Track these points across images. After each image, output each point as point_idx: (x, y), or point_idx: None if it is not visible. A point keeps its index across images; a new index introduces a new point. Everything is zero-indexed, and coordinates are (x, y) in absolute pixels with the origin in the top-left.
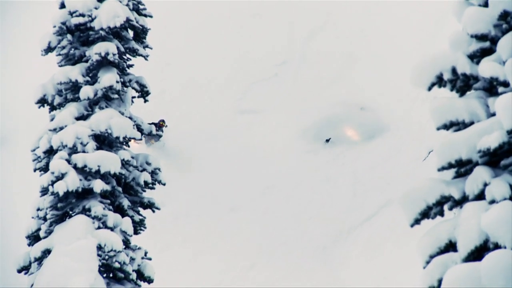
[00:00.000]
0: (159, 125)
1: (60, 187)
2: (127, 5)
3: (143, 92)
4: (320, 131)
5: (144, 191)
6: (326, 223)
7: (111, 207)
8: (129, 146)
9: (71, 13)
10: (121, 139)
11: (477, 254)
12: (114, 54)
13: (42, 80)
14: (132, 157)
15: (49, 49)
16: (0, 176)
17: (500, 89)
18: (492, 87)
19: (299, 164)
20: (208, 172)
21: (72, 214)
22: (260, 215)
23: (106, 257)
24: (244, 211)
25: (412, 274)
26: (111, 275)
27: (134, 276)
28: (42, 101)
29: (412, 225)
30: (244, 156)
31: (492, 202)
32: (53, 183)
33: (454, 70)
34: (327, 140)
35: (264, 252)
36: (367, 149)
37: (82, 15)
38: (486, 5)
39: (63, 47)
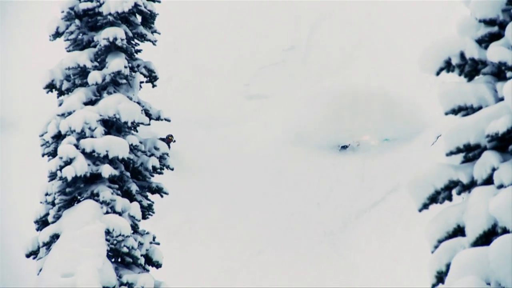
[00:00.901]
0: (168, 140)
1: (69, 172)
2: None
3: (151, 77)
4: (328, 116)
5: (152, 176)
6: (334, 208)
7: (119, 192)
8: (137, 131)
9: None
10: (129, 124)
11: (486, 238)
12: (122, 39)
13: (49, 65)
14: (141, 142)
15: (57, 35)
16: (7, 161)
17: (509, 74)
18: (501, 72)
19: (307, 149)
20: (216, 156)
21: (81, 199)
22: (269, 200)
23: (115, 242)
24: (253, 196)
25: (420, 258)
26: (119, 260)
27: (142, 260)
28: (50, 86)
29: (420, 210)
30: (252, 141)
31: (501, 186)
32: (61, 168)
33: (462, 55)
34: (344, 147)
35: (273, 237)
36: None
37: (90, 0)
38: None
39: (71, 32)
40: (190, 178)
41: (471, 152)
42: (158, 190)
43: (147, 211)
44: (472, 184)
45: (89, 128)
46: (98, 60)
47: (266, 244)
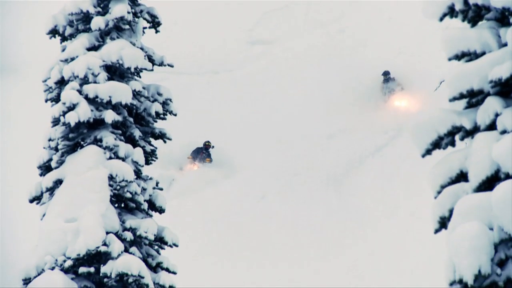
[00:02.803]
0: (206, 147)
1: (72, 118)
2: None
3: (155, 23)
4: (331, 60)
5: (156, 121)
6: (337, 154)
7: (122, 138)
8: (140, 77)
9: None
10: (132, 70)
11: (488, 184)
12: None
13: (52, 11)
14: (144, 88)
15: None
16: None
17: None
18: (504, 18)
19: (311, 95)
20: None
21: (84, 145)
22: (272, 145)
23: (118, 187)
24: (256, 142)
25: (423, 204)
26: (122, 205)
27: (145, 206)
28: (53, 32)
29: (423, 156)
30: (255, 85)
31: (504, 132)
32: (64, 113)
33: (465, 1)
34: None
35: (276, 182)
36: None
37: None
38: None
39: None
40: (194, 122)
41: (474, 98)
42: (161, 136)
43: (150, 156)
44: (475, 129)
45: (92, 74)
46: (101, 5)
47: (270, 188)
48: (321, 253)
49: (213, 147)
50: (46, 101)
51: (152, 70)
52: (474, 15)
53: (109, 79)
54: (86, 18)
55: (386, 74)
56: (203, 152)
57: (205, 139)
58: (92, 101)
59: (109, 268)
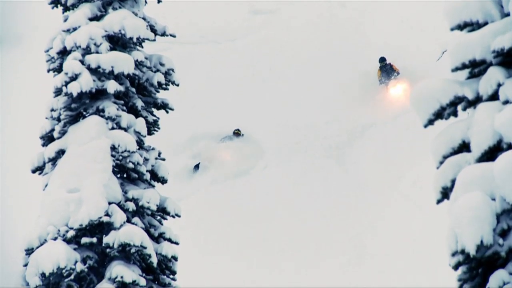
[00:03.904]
0: (236, 135)
1: (74, 88)
2: None
3: None
4: (333, 30)
5: (158, 91)
6: (339, 124)
7: (124, 108)
8: (142, 47)
9: None
10: (134, 40)
11: (491, 154)
12: None
13: None
14: (146, 58)
15: None
16: (12, 76)
17: None
18: None
19: (312, 65)
20: (223, 71)
21: (86, 115)
22: (274, 114)
23: (120, 157)
24: (258, 110)
25: (425, 174)
26: (124, 175)
27: (147, 176)
28: (55, 2)
29: (425, 126)
30: (257, 54)
31: (506, 102)
32: (66, 83)
33: None
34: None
35: (278, 152)
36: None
37: None
38: None
39: None
40: (196, 95)
41: (476, 68)
42: (164, 106)
43: (152, 126)
44: (477, 100)
45: (95, 44)
46: None
47: (272, 157)
48: (322, 225)
49: (243, 135)
50: (48, 71)
51: (154, 40)
52: None
53: (111, 49)
54: None
55: (382, 60)
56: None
57: (235, 127)
58: (94, 71)
59: (112, 239)
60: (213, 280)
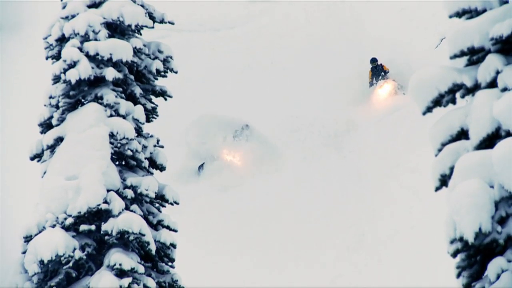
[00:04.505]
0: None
1: (72, 75)
2: None
3: None
4: (332, 18)
5: (156, 79)
6: (338, 113)
7: (123, 95)
8: (141, 35)
9: None
10: (133, 27)
11: (489, 142)
12: None
13: None
14: (144, 45)
15: None
16: (10, 63)
17: None
18: None
19: (311, 54)
20: (223, 58)
21: (84, 102)
22: (273, 102)
23: (118, 144)
24: (256, 97)
25: (424, 161)
26: (123, 162)
27: (146, 163)
28: None
29: (424, 113)
30: (256, 42)
31: (504, 90)
32: (65, 71)
33: None
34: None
35: (279, 139)
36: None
37: None
38: None
39: None
40: (195, 83)
41: (475, 55)
42: (162, 93)
43: (151, 114)
44: (476, 87)
45: (93, 31)
46: None
47: (273, 144)
48: (321, 213)
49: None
50: (46, 58)
51: (152, 27)
52: None
53: (110, 36)
54: None
55: (374, 61)
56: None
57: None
58: (93, 59)
59: (110, 226)
60: (213, 280)
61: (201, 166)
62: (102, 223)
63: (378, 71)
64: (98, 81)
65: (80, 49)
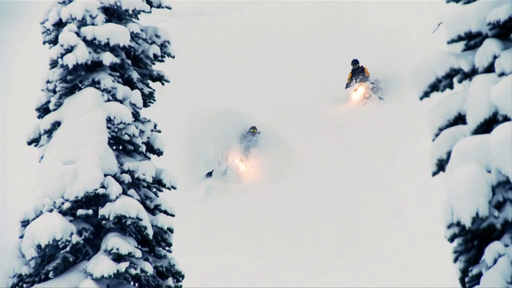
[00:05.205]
0: (252, 133)
1: (70, 60)
2: None
3: None
4: (330, 3)
5: (154, 63)
6: (336, 97)
7: (120, 80)
8: (138, 19)
9: None
10: (130, 12)
11: (486, 126)
12: None
13: None
14: (141, 30)
15: None
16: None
17: None
18: None
19: (309, 38)
20: (221, 42)
21: (82, 87)
22: (270, 85)
23: (116, 129)
24: (253, 82)
25: (421, 146)
26: (120, 147)
27: (143, 148)
28: None
29: (421, 98)
30: (253, 28)
31: (502, 74)
32: (62, 55)
33: None
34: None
35: (274, 125)
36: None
37: None
38: None
39: None
40: (192, 65)
41: (472, 40)
42: (159, 78)
43: (148, 98)
44: (473, 72)
45: (90, 16)
46: None
47: (268, 127)
48: (318, 198)
49: (259, 133)
50: (44, 43)
51: (150, 12)
52: None
53: (107, 21)
54: None
55: (355, 63)
56: (249, 139)
57: (251, 125)
58: (90, 43)
59: (107, 211)
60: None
61: (209, 174)
62: (100, 207)
63: (358, 73)
64: (95, 66)
65: (77, 34)
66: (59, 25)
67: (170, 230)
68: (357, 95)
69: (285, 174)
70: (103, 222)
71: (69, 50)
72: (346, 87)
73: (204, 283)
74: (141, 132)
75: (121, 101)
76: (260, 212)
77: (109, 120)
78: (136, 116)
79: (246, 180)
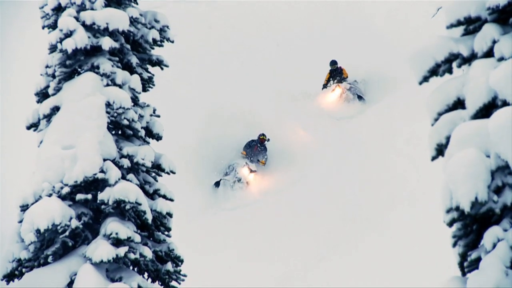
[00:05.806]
0: (261, 140)
1: (69, 45)
2: None
3: None
4: None
5: (153, 48)
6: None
7: (119, 65)
8: (137, 4)
9: None
10: None
11: (486, 111)
12: None
13: None
14: (141, 15)
15: None
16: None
17: None
18: None
19: (308, 24)
20: (219, 32)
21: (81, 72)
22: (269, 71)
23: (115, 114)
24: (251, 68)
25: (421, 131)
26: (119, 132)
27: (142, 133)
28: None
29: (420, 83)
30: (254, 13)
31: (501, 59)
32: (61, 40)
33: None
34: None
35: (273, 108)
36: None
37: None
38: None
39: None
40: (190, 52)
41: (471, 25)
42: (159, 63)
43: (147, 83)
44: (472, 57)
45: (89, 1)
46: None
47: (267, 113)
48: (317, 184)
49: (268, 140)
50: (43, 27)
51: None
52: None
53: (106, 5)
54: None
55: (333, 63)
56: (257, 146)
57: (260, 132)
58: (89, 28)
59: (107, 195)
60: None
61: (217, 183)
62: (99, 192)
63: (336, 74)
64: (95, 51)
65: (77, 19)
66: (58, 9)
67: (169, 215)
68: (334, 95)
69: (287, 170)
70: (102, 206)
71: (68, 34)
72: (323, 88)
73: (204, 283)
74: (140, 116)
75: (120, 86)
76: (260, 211)
77: (108, 104)
78: (135, 100)
79: (253, 188)
